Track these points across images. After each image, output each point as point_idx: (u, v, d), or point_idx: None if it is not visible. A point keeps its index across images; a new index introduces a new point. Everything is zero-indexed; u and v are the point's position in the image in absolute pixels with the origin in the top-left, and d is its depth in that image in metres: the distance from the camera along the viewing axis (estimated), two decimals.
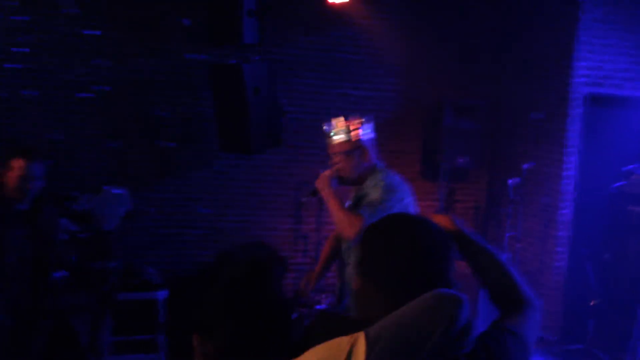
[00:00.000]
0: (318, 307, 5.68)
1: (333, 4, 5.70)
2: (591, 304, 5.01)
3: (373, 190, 3.09)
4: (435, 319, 1.14)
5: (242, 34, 4.66)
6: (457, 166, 5.91)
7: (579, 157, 5.60)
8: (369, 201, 3.06)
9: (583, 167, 5.63)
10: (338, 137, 3.17)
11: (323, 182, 3.14)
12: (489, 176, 6.50)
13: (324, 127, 3.23)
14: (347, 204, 3.20)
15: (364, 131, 3.17)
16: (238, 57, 4.91)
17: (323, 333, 1.20)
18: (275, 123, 5.20)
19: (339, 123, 3.19)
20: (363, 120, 3.21)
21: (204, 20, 5.27)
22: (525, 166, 5.42)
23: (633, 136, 5.79)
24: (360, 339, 1.13)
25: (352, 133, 3.15)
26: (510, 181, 5.44)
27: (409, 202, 3.11)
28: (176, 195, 5.75)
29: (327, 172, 3.18)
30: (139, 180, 5.59)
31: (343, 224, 3.03)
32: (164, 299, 4.80)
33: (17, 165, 3.36)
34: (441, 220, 1.54)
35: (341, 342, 1.14)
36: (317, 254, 5.91)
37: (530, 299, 1.55)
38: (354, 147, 3.14)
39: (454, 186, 6.45)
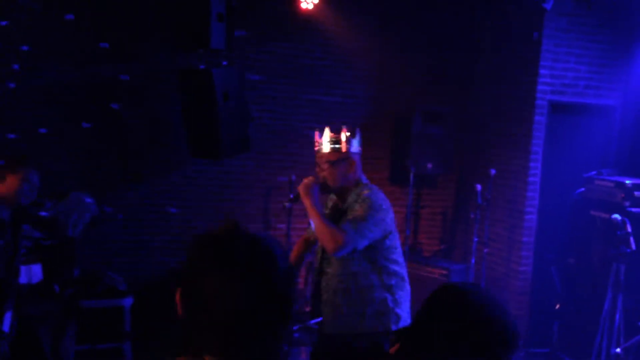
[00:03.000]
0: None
1: (303, 10, 5.73)
2: (556, 307, 5.09)
3: (357, 205, 3.09)
4: None
5: (210, 39, 4.64)
6: (425, 172, 5.97)
7: (543, 163, 5.71)
8: (353, 217, 3.05)
9: (547, 174, 5.74)
10: (327, 147, 3.19)
11: (306, 189, 3.12)
12: (457, 182, 6.58)
13: (315, 135, 3.25)
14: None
15: (352, 144, 3.20)
16: (208, 62, 4.88)
17: None
18: (244, 128, 5.18)
19: (329, 133, 3.20)
20: (353, 132, 3.24)
21: (174, 24, 5.23)
22: (492, 172, 5.50)
23: (594, 143, 5.94)
24: None
25: (342, 144, 3.17)
26: (478, 187, 5.52)
27: (391, 220, 3.15)
28: (144, 201, 5.67)
29: (310, 179, 3.18)
30: (106, 185, 5.51)
31: (325, 237, 3.01)
32: (130, 306, 4.73)
33: (23, 173, 3.34)
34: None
35: None
36: None
37: None
38: (341, 157, 3.17)
39: (423, 192, 6.51)
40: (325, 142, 3.20)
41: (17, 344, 3.58)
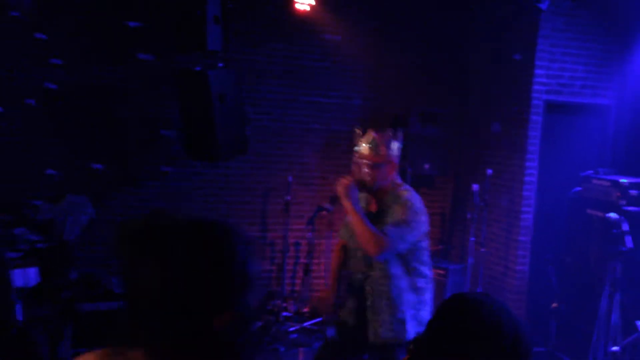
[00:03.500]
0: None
1: (300, 12, 5.73)
2: (553, 306, 5.10)
3: (397, 207, 3.05)
4: None
5: (206, 41, 4.64)
6: (422, 172, 5.97)
7: (540, 163, 5.72)
8: (395, 221, 3.02)
9: (543, 173, 5.75)
10: (369, 148, 3.12)
11: (345, 190, 3.05)
12: (454, 182, 6.59)
13: (357, 134, 3.23)
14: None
15: (393, 147, 3.15)
16: (204, 64, 4.88)
17: None
18: (241, 130, 5.18)
19: (372, 134, 3.16)
20: (396, 135, 3.23)
21: (170, 26, 5.24)
22: (489, 172, 5.51)
23: (591, 142, 5.95)
24: None
25: (384, 147, 3.11)
26: (475, 187, 5.52)
27: (426, 222, 3.16)
28: (140, 204, 5.67)
29: (348, 179, 3.11)
30: (102, 188, 5.51)
31: (368, 240, 2.98)
32: None
33: None
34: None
35: None
36: (284, 261, 5.89)
37: None
38: (383, 160, 3.10)
39: (420, 192, 6.51)
40: (367, 143, 3.13)
41: (15, 347, 3.57)
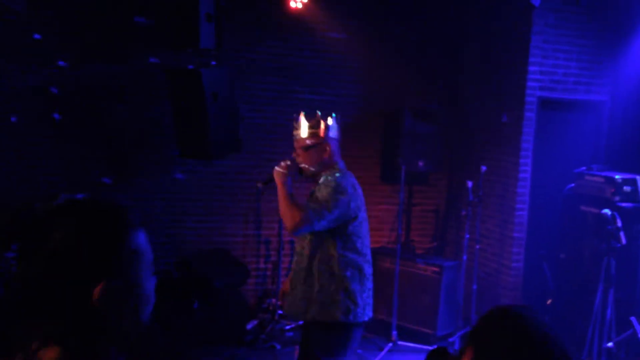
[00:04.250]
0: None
1: (293, 9, 5.72)
2: (548, 303, 5.11)
3: (323, 187, 3.12)
4: None
5: (199, 39, 4.62)
6: (416, 169, 5.97)
7: (534, 159, 5.73)
8: (315, 198, 3.10)
9: (537, 170, 5.76)
10: (300, 132, 3.24)
11: (279, 171, 3.19)
12: (448, 179, 6.59)
13: (294, 121, 3.30)
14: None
15: (326, 129, 3.22)
16: (197, 62, 4.86)
17: None
18: (234, 128, 5.16)
19: (303, 118, 3.25)
20: (328, 118, 3.26)
21: (162, 24, 5.21)
22: (483, 168, 5.51)
23: (584, 139, 5.97)
24: None
25: (314, 130, 3.21)
26: (469, 183, 5.53)
27: (356, 208, 3.13)
28: (134, 202, 5.64)
29: (286, 162, 3.22)
30: (96, 187, 5.47)
31: (285, 215, 3.10)
32: None
33: None
34: None
35: None
36: (279, 259, 5.88)
37: None
38: (313, 143, 3.20)
39: (414, 189, 6.52)
40: (297, 128, 3.25)
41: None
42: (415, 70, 6.31)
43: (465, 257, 5.60)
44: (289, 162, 3.22)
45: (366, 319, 3.20)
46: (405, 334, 5.46)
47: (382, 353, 5.21)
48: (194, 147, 5.05)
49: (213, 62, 4.86)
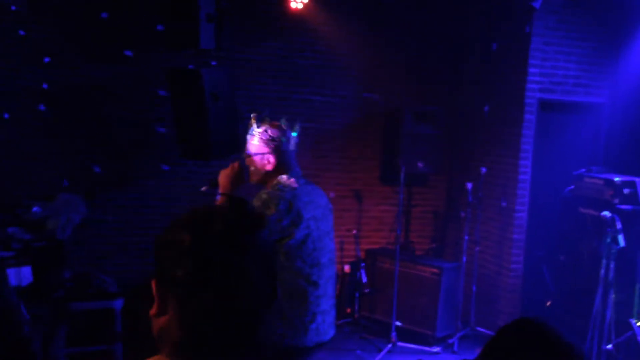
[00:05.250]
0: None
1: (293, 10, 5.72)
2: (547, 304, 5.11)
3: (256, 199, 2.89)
4: None
5: (199, 39, 4.62)
6: (416, 171, 5.97)
7: (533, 161, 5.73)
8: None
9: (537, 172, 5.77)
10: (248, 136, 3.01)
11: (224, 175, 3.00)
12: (448, 180, 6.60)
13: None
14: None
15: (272, 136, 2.94)
16: (197, 62, 4.86)
17: None
18: (235, 129, 5.16)
19: (253, 122, 2.99)
20: (278, 124, 2.99)
21: (162, 24, 5.21)
22: (483, 170, 5.52)
23: (584, 141, 5.97)
24: None
25: (259, 136, 2.95)
26: (468, 185, 5.53)
27: (290, 225, 2.84)
28: (133, 203, 5.64)
29: (234, 167, 3.00)
30: (95, 187, 5.48)
31: None
32: (121, 308, 4.70)
33: None
34: None
35: None
36: None
37: None
38: (257, 150, 2.96)
39: (414, 191, 6.52)
40: (248, 132, 3.00)
41: (6, 347, 3.54)
42: (415, 72, 6.31)
43: (464, 259, 5.61)
44: (235, 165, 2.99)
45: (310, 344, 2.93)
46: (404, 335, 5.46)
47: (381, 354, 5.21)
48: (193, 148, 5.04)
49: (213, 63, 4.86)
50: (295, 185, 2.94)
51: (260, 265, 1.07)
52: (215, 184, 3.08)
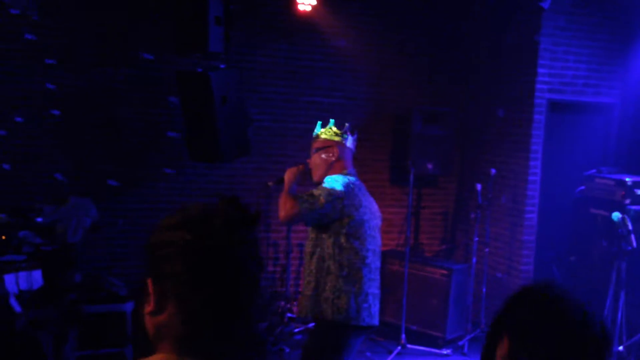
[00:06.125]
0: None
1: (301, 12, 5.73)
2: None
3: (321, 185, 3.20)
4: None
5: (208, 42, 4.63)
6: (425, 172, 5.96)
7: (543, 162, 5.71)
8: (311, 192, 3.15)
9: (547, 172, 5.74)
10: (315, 134, 3.36)
11: (289, 173, 3.30)
12: (458, 182, 6.58)
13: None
14: None
15: (336, 135, 3.31)
16: (206, 65, 4.88)
17: None
18: (244, 131, 5.18)
19: (323, 124, 3.39)
20: (342, 126, 3.37)
21: (171, 27, 5.23)
22: (492, 171, 5.50)
23: (594, 141, 5.94)
24: None
25: (325, 134, 3.32)
26: (478, 186, 5.51)
27: (351, 207, 3.13)
28: (144, 206, 5.67)
29: (299, 167, 3.34)
30: (106, 190, 5.51)
31: (280, 204, 3.16)
32: (131, 311, 4.73)
33: None
34: None
35: None
36: (288, 262, 5.89)
37: None
38: (322, 145, 3.29)
39: (423, 192, 6.51)
40: (316, 132, 3.37)
41: (19, 349, 3.57)
42: (424, 73, 6.30)
43: (474, 260, 5.59)
44: (300, 167, 3.34)
45: (362, 324, 3.13)
46: (414, 337, 5.45)
47: (391, 356, 5.20)
48: (203, 150, 5.06)
49: (222, 66, 4.87)
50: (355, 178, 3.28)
51: (255, 256, 1.13)
52: (280, 181, 3.40)
